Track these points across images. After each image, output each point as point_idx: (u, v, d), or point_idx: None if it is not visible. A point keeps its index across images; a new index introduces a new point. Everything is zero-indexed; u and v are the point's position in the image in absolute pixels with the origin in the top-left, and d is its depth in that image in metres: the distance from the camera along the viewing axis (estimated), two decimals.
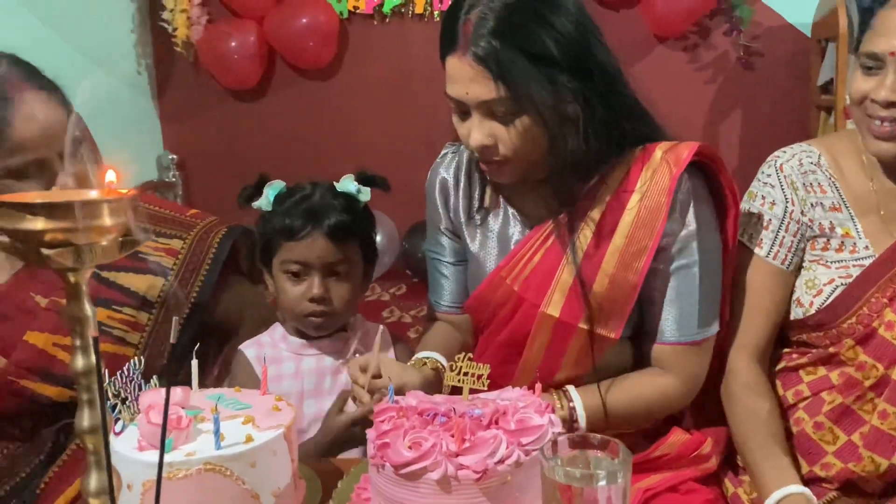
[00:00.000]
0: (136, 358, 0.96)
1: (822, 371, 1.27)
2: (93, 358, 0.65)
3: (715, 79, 3.51)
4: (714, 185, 1.25)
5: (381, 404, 0.97)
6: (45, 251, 0.60)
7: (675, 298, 1.22)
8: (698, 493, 1.24)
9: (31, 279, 1.38)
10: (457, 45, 1.12)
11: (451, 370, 0.96)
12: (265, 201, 1.37)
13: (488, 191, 1.34)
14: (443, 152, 1.42)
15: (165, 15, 3.59)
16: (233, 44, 3.53)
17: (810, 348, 1.28)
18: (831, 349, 1.24)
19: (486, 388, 0.96)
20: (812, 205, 1.28)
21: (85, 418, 0.66)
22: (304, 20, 3.51)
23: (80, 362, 0.65)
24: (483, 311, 1.32)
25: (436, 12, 3.57)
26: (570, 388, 1.22)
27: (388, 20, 3.64)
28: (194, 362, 1.01)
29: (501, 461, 0.83)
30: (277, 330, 1.41)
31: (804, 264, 1.30)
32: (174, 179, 3.31)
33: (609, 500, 0.74)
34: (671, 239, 1.20)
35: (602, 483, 0.74)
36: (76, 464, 1.33)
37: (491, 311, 1.30)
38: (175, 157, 3.36)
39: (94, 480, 0.67)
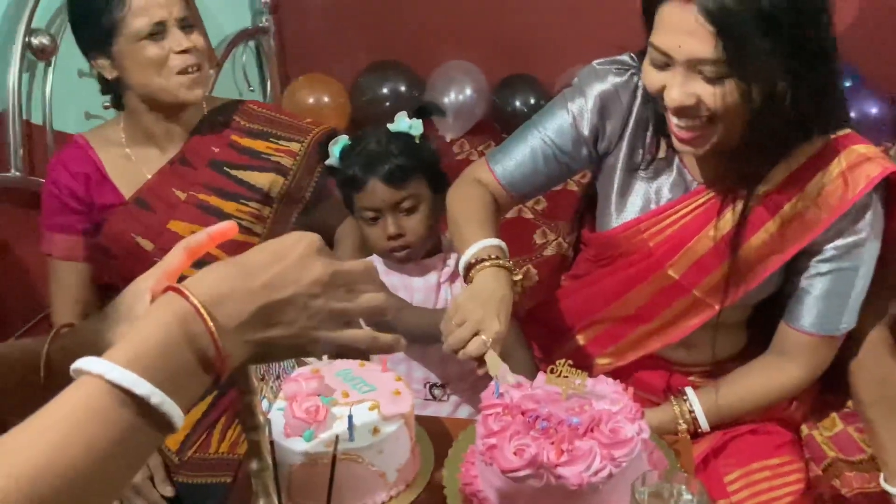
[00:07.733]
0: None
1: None
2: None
3: None
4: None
5: (486, 393, 1.08)
6: None
7: (825, 296, 1.23)
8: (775, 435, 1.35)
9: (172, 175, 1.63)
10: None
11: (552, 373, 1.05)
12: (334, 160, 1.48)
13: (662, 140, 1.28)
14: (623, 58, 1.29)
15: None
16: None
17: None
18: None
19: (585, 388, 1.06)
20: None
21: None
22: None
23: None
24: (605, 251, 1.35)
25: None
26: (689, 391, 1.28)
27: None
28: None
29: (595, 473, 0.95)
30: (374, 257, 1.54)
31: None
32: (267, 24, 3.30)
33: None
34: (837, 241, 1.19)
35: None
36: None
37: (614, 254, 1.33)
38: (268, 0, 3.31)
39: (255, 463, 0.82)
